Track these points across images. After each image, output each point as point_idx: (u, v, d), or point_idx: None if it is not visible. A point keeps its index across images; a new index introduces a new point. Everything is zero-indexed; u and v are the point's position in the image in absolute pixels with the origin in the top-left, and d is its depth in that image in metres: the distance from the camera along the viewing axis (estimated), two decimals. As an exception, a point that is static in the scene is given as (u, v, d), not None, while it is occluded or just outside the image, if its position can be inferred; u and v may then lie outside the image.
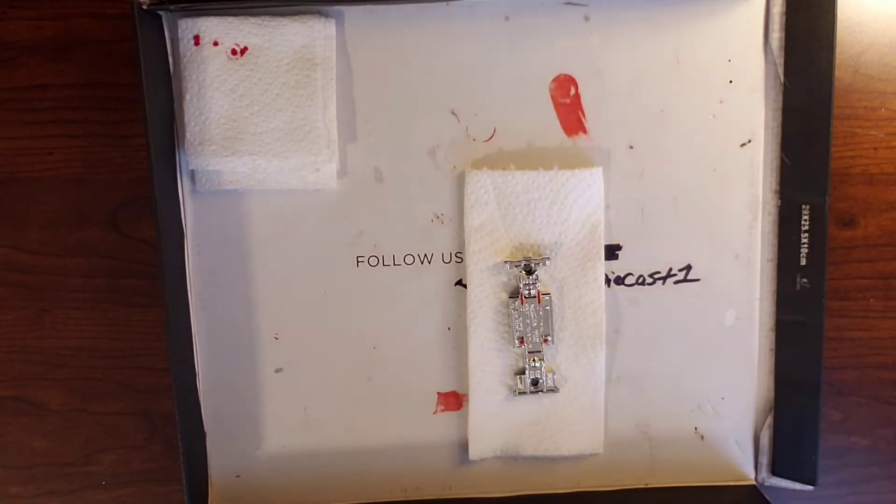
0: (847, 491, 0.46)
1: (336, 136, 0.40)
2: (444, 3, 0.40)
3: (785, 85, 0.41)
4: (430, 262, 0.42)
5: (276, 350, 0.43)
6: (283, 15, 0.39)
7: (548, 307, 0.41)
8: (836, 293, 0.44)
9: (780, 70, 0.41)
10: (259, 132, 0.39)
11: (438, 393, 0.43)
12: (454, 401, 0.43)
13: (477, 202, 0.41)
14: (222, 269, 0.42)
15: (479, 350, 0.42)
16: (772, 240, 0.42)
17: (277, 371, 0.43)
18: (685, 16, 0.40)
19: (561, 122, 0.41)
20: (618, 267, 0.42)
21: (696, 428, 0.44)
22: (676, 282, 0.43)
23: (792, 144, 0.41)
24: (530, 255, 0.41)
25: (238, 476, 0.44)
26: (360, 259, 0.42)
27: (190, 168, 0.40)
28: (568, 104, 0.41)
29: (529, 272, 0.41)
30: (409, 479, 0.44)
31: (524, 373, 0.42)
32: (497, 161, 0.41)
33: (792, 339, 0.42)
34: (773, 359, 0.43)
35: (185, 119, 0.39)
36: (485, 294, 0.42)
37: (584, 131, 0.41)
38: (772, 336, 0.43)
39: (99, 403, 0.45)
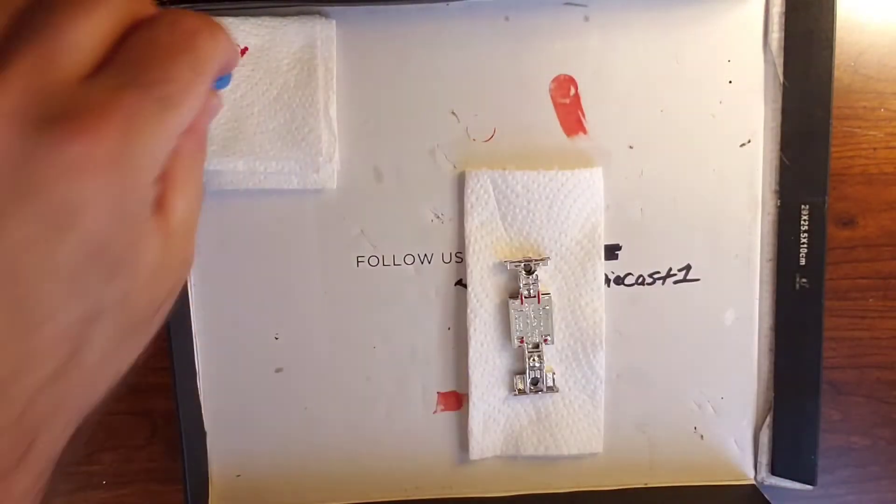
0: (847, 491, 0.46)
1: (336, 136, 0.40)
2: (444, 3, 0.40)
3: (784, 85, 0.41)
4: (430, 262, 0.42)
5: (276, 350, 0.43)
6: (283, 15, 0.39)
7: (548, 307, 0.41)
8: (836, 293, 0.44)
9: (780, 70, 0.41)
10: (259, 132, 0.39)
11: (438, 393, 0.43)
12: (454, 401, 0.44)
13: (477, 202, 0.41)
14: (222, 269, 0.42)
15: (479, 350, 0.42)
16: (771, 240, 0.42)
17: (277, 371, 0.43)
18: (685, 16, 0.40)
19: (561, 122, 0.41)
20: (618, 267, 0.42)
21: (695, 427, 0.44)
22: (676, 282, 0.43)
23: (791, 145, 0.41)
24: (530, 255, 0.42)
25: (238, 476, 0.44)
26: (360, 259, 0.42)
27: (190, 168, 0.40)
28: (568, 104, 0.41)
29: (529, 272, 0.41)
30: (409, 479, 0.44)
31: (524, 372, 0.42)
32: (497, 161, 0.41)
33: (791, 339, 0.42)
34: (773, 359, 0.43)
35: (186, 119, 0.39)
36: (485, 294, 0.42)
37: (584, 131, 0.41)
38: (771, 336, 0.43)
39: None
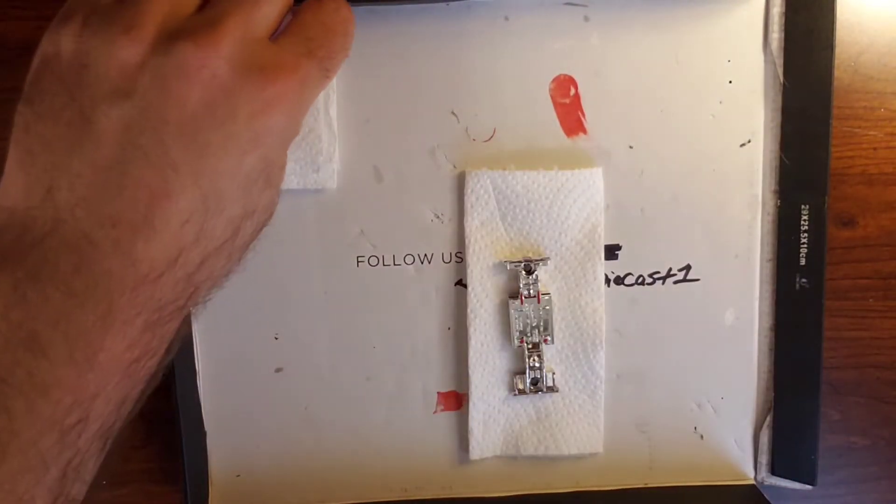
0: (846, 490, 0.46)
1: (336, 135, 0.40)
2: (444, 4, 0.40)
3: (784, 85, 0.41)
4: (430, 262, 0.42)
5: (276, 350, 0.43)
6: (283, 15, 0.39)
7: (548, 307, 0.41)
8: (836, 293, 0.44)
9: (780, 70, 0.41)
10: (259, 132, 0.39)
11: (438, 393, 0.43)
12: (454, 401, 0.44)
13: (477, 202, 0.41)
14: (222, 269, 0.42)
15: (479, 350, 0.42)
16: (771, 240, 0.42)
17: (277, 371, 0.43)
18: (685, 16, 0.40)
19: (561, 123, 0.41)
20: (617, 267, 0.42)
21: (695, 427, 0.44)
22: (676, 282, 0.43)
23: (791, 145, 0.41)
24: (530, 255, 0.42)
25: (238, 476, 0.44)
26: (360, 259, 0.42)
27: (190, 168, 0.40)
28: (568, 104, 0.41)
29: (529, 272, 0.41)
30: (409, 479, 0.44)
31: (524, 373, 0.42)
32: (497, 161, 0.41)
33: (791, 339, 0.42)
34: (773, 358, 0.43)
35: (186, 119, 0.39)
36: (485, 294, 0.42)
37: (584, 131, 0.41)
38: (771, 336, 0.43)
39: (99, 403, 0.45)
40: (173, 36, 0.24)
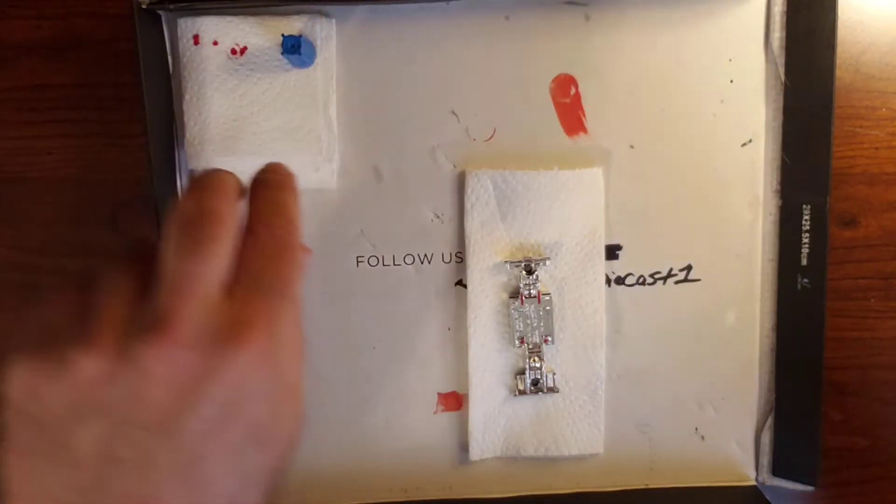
0: (848, 492, 0.46)
1: (336, 135, 0.40)
2: (444, 3, 0.40)
3: (786, 85, 0.41)
4: (430, 262, 0.42)
5: (275, 350, 0.42)
6: (283, 15, 0.39)
7: (548, 307, 0.41)
8: (837, 293, 0.44)
9: (781, 70, 0.41)
10: (259, 132, 0.39)
11: (438, 393, 0.43)
12: (454, 401, 0.43)
13: (477, 202, 0.41)
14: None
15: (479, 350, 0.42)
16: (772, 240, 0.42)
17: (277, 371, 0.43)
18: (685, 16, 0.40)
19: (561, 122, 0.41)
20: (618, 267, 0.42)
21: (696, 428, 0.44)
22: (677, 282, 0.43)
23: (793, 144, 0.41)
24: (530, 255, 0.41)
25: (238, 476, 0.43)
26: (360, 259, 0.42)
27: (190, 168, 0.40)
28: (568, 104, 0.41)
29: (529, 272, 0.41)
30: (409, 479, 0.44)
31: (524, 373, 0.42)
32: (497, 161, 0.41)
33: (793, 340, 0.42)
34: (774, 359, 0.43)
35: (185, 119, 0.39)
36: (485, 294, 0.42)
37: (585, 131, 0.41)
38: (772, 336, 0.43)
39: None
40: (131, 338, 0.23)
